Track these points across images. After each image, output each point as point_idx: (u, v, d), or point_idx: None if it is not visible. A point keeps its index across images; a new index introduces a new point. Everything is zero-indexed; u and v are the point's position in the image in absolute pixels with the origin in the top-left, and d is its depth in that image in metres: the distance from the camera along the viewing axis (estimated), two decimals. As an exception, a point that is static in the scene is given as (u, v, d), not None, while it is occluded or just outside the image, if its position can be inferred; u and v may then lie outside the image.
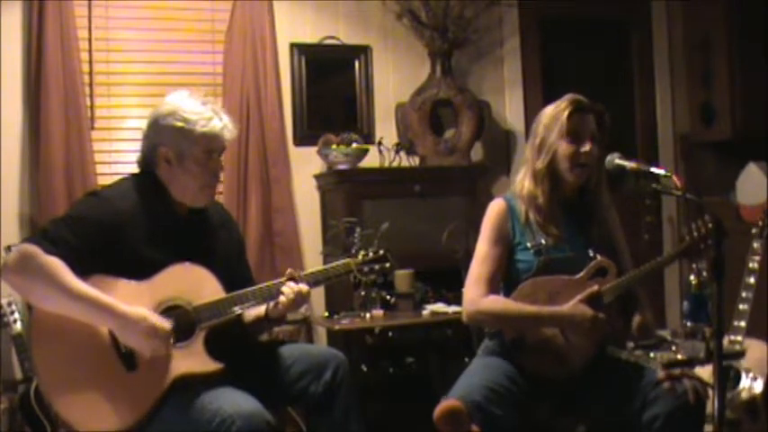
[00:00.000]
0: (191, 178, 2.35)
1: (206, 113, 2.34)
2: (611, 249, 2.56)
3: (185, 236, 2.37)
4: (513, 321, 2.48)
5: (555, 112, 2.52)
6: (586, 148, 2.49)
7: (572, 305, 2.41)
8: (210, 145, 2.36)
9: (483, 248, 2.55)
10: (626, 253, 2.59)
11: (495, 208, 2.58)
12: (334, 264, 2.52)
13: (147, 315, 2.18)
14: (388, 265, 2.56)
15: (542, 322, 2.45)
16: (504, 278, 2.55)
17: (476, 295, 2.49)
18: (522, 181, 2.57)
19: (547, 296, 2.47)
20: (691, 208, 4.49)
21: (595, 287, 2.43)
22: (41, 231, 2.23)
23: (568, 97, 2.55)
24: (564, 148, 2.49)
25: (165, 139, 2.34)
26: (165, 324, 2.20)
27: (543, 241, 2.51)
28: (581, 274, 2.49)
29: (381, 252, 2.57)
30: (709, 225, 2.37)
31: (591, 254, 2.51)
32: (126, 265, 2.24)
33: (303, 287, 2.38)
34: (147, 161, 2.39)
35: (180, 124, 2.32)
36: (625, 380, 2.44)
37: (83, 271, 2.18)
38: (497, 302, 2.49)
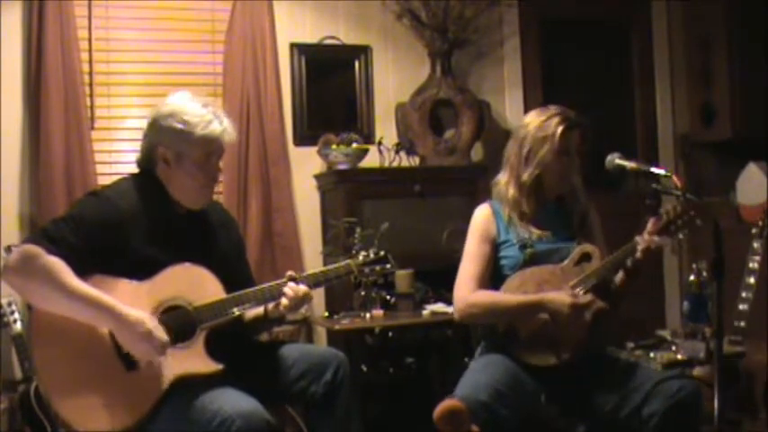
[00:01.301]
0: (188, 180, 2.35)
1: (206, 116, 2.34)
2: (591, 236, 2.63)
3: (185, 236, 2.37)
4: (500, 312, 2.52)
5: (546, 127, 2.54)
6: (574, 163, 2.56)
7: (553, 292, 2.45)
8: (209, 148, 2.35)
9: (470, 249, 2.61)
10: (603, 252, 2.61)
11: (480, 212, 2.66)
12: (334, 265, 2.53)
13: (147, 320, 2.18)
14: (388, 266, 2.57)
15: (527, 310, 2.49)
16: (493, 277, 2.59)
17: (464, 292, 2.55)
18: (507, 186, 2.62)
19: (535, 286, 2.51)
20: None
21: (592, 300, 2.46)
22: (42, 231, 2.23)
23: (559, 113, 2.56)
24: (555, 164, 2.54)
25: (164, 139, 2.34)
26: (163, 335, 2.19)
27: (527, 235, 2.56)
28: (566, 261, 2.54)
29: (382, 253, 2.57)
30: (678, 209, 2.39)
31: (575, 244, 2.57)
32: (126, 265, 2.24)
33: (305, 289, 2.38)
34: (146, 160, 2.40)
35: (179, 126, 2.32)
36: (625, 379, 2.46)
37: (83, 271, 2.18)
38: (485, 296, 2.53)
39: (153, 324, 2.19)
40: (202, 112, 2.34)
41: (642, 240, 2.44)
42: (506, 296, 2.52)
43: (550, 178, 2.56)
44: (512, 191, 2.60)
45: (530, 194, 2.58)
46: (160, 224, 2.32)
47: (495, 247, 2.60)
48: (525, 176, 2.57)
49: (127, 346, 2.19)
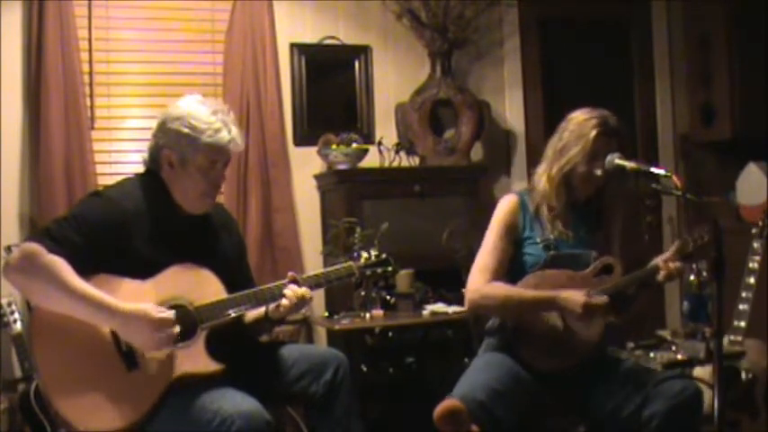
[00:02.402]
0: (191, 184, 2.35)
1: (215, 124, 2.33)
2: (613, 252, 2.59)
3: (188, 236, 2.37)
4: (513, 305, 2.50)
5: (583, 127, 2.52)
6: (599, 172, 2.51)
7: (569, 291, 2.43)
8: (214, 156, 2.35)
9: (490, 240, 2.57)
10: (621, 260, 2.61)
11: (506, 202, 2.62)
12: (335, 267, 2.52)
13: (149, 310, 2.17)
14: (389, 268, 2.57)
15: (540, 306, 2.48)
16: (512, 272, 2.57)
17: (479, 283, 2.52)
18: (542, 176, 2.59)
19: (551, 289, 2.48)
20: (691, 208, 4.49)
21: (605, 303, 2.44)
22: (44, 230, 2.23)
23: (599, 116, 2.53)
24: (581, 165, 2.51)
25: (170, 142, 2.34)
26: (168, 314, 2.18)
27: (553, 237, 2.54)
28: (587, 270, 2.53)
29: (383, 256, 2.57)
30: (705, 238, 2.39)
31: (596, 254, 2.55)
32: (128, 265, 2.24)
33: (306, 291, 2.38)
34: (151, 161, 2.40)
35: (186, 131, 2.31)
36: (625, 379, 2.46)
37: (86, 270, 2.18)
38: (498, 288, 2.51)
39: (156, 311, 2.18)
40: (211, 119, 2.33)
41: (664, 266, 2.44)
42: (520, 290, 2.49)
43: (577, 179, 2.53)
44: (543, 182, 2.57)
45: (558, 190, 2.54)
46: (163, 225, 2.32)
47: (518, 240, 2.57)
48: (554, 170, 2.54)
49: (136, 341, 2.18)
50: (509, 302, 2.50)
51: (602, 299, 2.43)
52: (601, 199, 2.61)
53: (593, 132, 2.49)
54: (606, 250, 2.58)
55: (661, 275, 2.45)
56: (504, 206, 2.60)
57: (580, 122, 2.53)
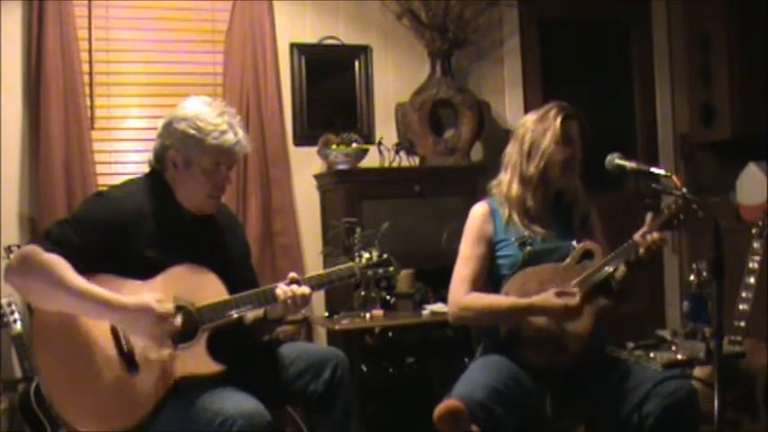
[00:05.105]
0: (196, 186, 2.35)
1: (221, 125, 2.34)
2: (592, 237, 2.61)
3: (191, 237, 2.37)
4: (492, 316, 2.52)
5: (545, 119, 2.56)
6: (577, 153, 2.56)
7: (543, 296, 2.44)
8: (219, 158, 2.35)
9: (465, 250, 2.60)
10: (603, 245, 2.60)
11: (477, 211, 2.65)
12: (336, 267, 2.52)
13: (150, 303, 2.17)
14: (391, 269, 2.56)
15: (518, 314, 2.48)
16: (491, 277, 2.59)
17: (458, 295, 2.54)
18: (510, 184, 2.61)
19: (537, 286, 2.49)
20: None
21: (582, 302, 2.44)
22: (44, 233, 2.24)
23: (557, 105, 2.59)
24: (558, 153, 2.54)
25: (175, 142, 2.34)
26: (168, 306, 2.19)
27: (527, 233, 2.55)
28: (568, 260, 2.53)
29: (385, 256, 2.56)
30: (681, 201, 2.36)
31: (574, 243, 2.56)
32: (130, 265, 2.24)
33: (303, 289, 2.37)
34: (157, 161, 2.40)
35: (192, 132, 2.32)
36: (624, 379, 2.46)
37: (87, 271, 2.18)
38: (476, 299, 2.53)
39: (155, 303, 2.17)
40: (217, 121, 2.34)
41: (642, 241, 2.42)
42: (498, 299, 2.51)
43: (555, 170, 2.55)
44: (515, 188, 2.59)
45: (536, 189, 2.57)
46: (166, 226, 2.32)
47: (492, 246, 2.59)
48: (532, 170, 2.56)
49: (138, 335, 2.18)
50: (487, 313, 2.52)
51: (574, 299, 2.42)
52: (566, 190, 2.63)
53: (558, 118, 2.54)
54: (585, 235, 2.59)
55: (642, 250, 2.42)
56: (476, 215, 2.64)
57: (539, 119, 2.58)
